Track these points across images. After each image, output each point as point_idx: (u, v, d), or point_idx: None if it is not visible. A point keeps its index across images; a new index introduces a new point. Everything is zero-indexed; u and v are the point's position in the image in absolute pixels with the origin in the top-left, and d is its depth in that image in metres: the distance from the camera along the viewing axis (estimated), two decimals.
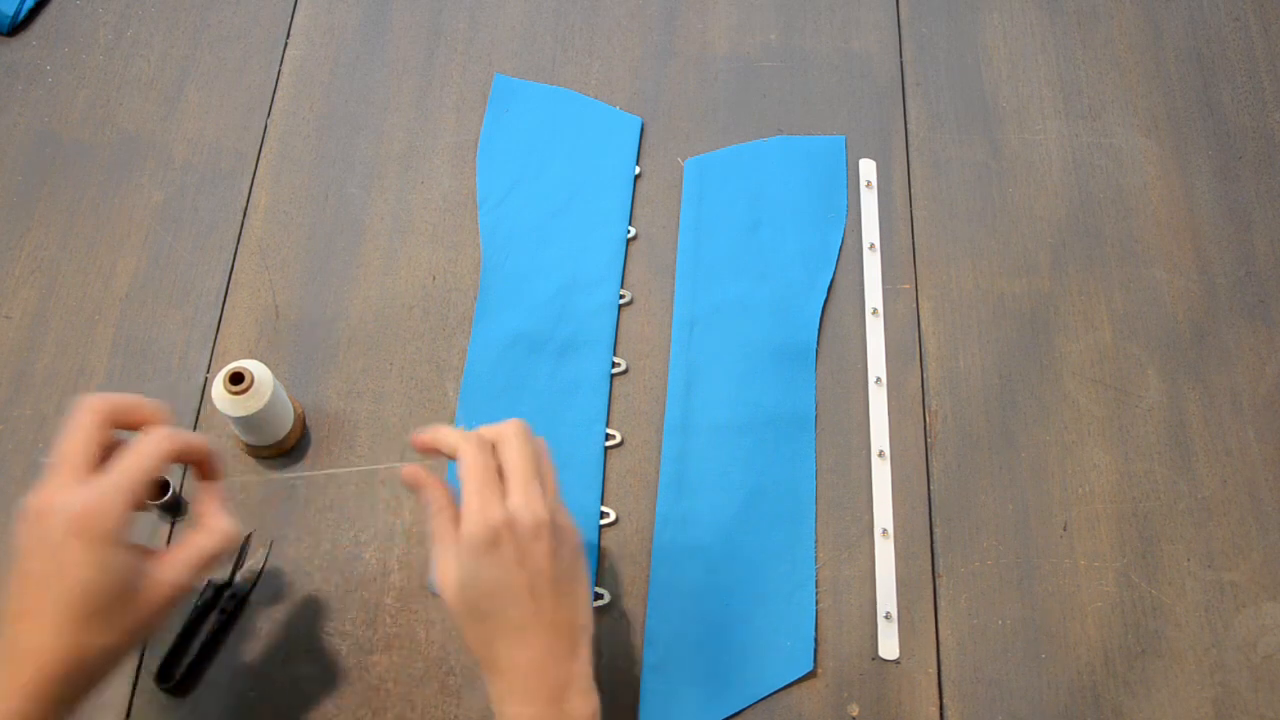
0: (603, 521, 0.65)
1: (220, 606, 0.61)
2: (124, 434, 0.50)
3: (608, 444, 0.67)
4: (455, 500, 0.53)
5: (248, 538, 0.63)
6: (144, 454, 0.48)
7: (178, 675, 0.59)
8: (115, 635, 0.47)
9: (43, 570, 0.46)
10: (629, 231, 0.73)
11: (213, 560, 0.50)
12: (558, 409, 0.67)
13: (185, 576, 0.49)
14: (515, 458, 0.52)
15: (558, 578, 0.51)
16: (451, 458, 0.53)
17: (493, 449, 0.52)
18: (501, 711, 0.50)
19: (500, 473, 0.52)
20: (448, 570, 0.51)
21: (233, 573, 0.62)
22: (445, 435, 0.53)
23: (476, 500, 0.50)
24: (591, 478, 0.65)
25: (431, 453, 0.54)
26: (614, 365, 0.69)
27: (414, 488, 0.54)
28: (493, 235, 0.73)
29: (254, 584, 0.62)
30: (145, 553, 0.48)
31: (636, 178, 0.76)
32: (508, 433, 0.53)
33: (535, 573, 0.50)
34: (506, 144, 0.77)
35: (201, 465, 0.52)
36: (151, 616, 0.48)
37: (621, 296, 0.71)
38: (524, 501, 0.50)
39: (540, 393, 0.68)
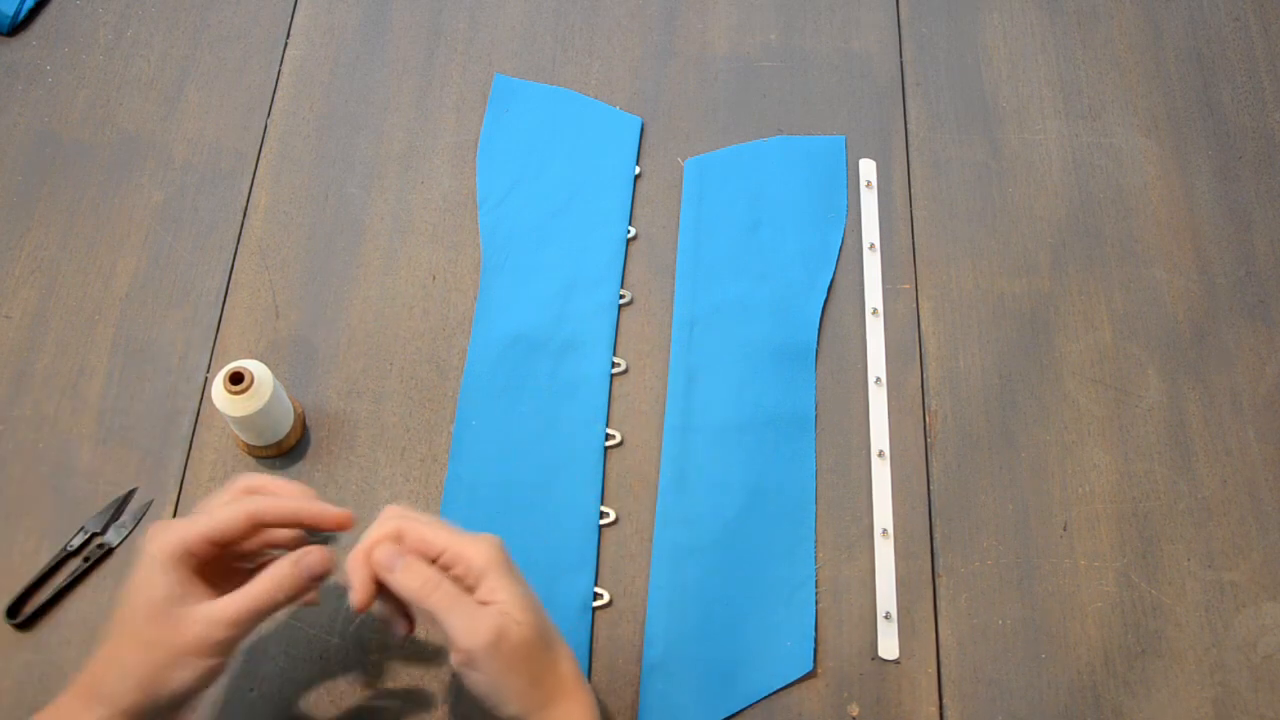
0: (603, 521, 0.65)
1: (86, 555, 0.62)
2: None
3: (608, 444, 0.67)
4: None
5: (130, 493, 0.64)
6: (225, 511, 0.51)
7: (28, 612, 0.60)
8: (147, 654, 0.49)
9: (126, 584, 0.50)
10: (629, 231, 0.73)
11: (260, 616, 0.51)
12: (558, 409, 0.67)
13: (223, 631, 0.50)
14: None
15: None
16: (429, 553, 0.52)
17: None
18: None
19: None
20: (511, 618, 0.50)
21: (107, 523, 0.63)
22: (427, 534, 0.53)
23: (464, 536, 0.52)
24: (591, 477, 0.65)
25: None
26: (614, 365, 0.69)
27: (384, 570, 0.51)
28: (493, 235, 0.73)
29: (124, 538, 0.63)
30: (204, 590, 0.50)
31: (636, 178, 0.76)
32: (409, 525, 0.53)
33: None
34: (506, 144, 0.77)
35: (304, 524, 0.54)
36: (186, 652, 0.49)
37: (621, 296, 0.71)
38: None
39: (540, 392, 0.68)
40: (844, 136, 0.78)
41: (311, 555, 0.52)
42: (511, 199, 0.74)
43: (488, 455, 0.66)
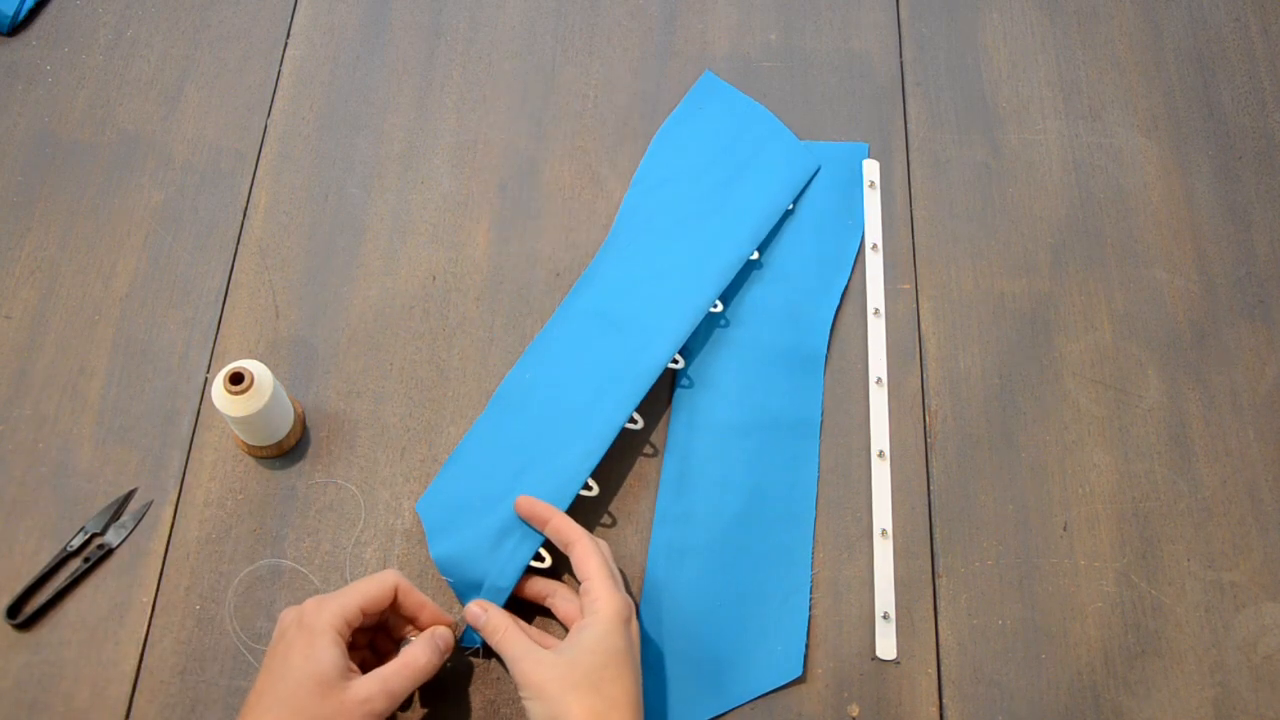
0: (584, 491, 0.63)
1: (86, 555, 0.62)
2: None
3: (630, 426, 0.64)
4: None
5: (130, 493, 0.64)
6: (372, 580, 0.56)
7: (28, 612, 0.60)
8: None
9: (270, 657, 0.53)
10: (754, 256, 0.72)
11: (411, 689, 0.54)
12: (607, 386, 0.65)
13: (385, 703, 0.52)
14: (612, 567, 0.59)
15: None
16: (555, 535, 0.60)
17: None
18: None
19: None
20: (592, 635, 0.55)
21: (107, 523, 0.63)
22: (565, 524, 0.60)
23: (611, 584, 0.57)
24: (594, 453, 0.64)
25: (530, 518, 0.61)
26: (674, 362, 0.67)
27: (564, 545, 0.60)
28: (631, 216, 0.73)
29: (124, 539, 0.63)
30: (352, 667, 0.53)
31: (789, 212, 0.74)
32: (597, 545, 0.59)
33: (639, 658, 0.56)
34: (686, 137, 0.76)
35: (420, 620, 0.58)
36: None
37: (714, 307, 0.69)
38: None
39: (598, 366, 0.67)
40: (867, 144, 0.77)
41: (443, 632, 0.57)
42: (663, 188, 0.74)
43: (510, 423, 0.66)
